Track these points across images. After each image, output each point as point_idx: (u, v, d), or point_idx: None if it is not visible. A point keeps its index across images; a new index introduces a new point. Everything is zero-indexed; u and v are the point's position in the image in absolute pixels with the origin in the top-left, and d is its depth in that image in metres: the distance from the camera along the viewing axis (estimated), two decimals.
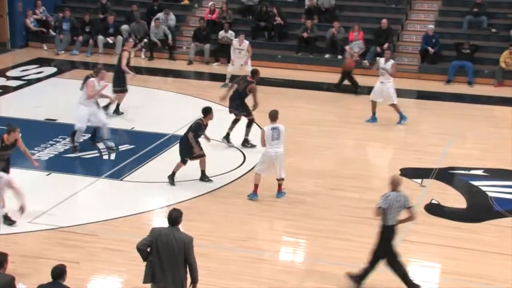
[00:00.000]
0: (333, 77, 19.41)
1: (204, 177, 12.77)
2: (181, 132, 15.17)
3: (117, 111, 16.11)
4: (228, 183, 12.78)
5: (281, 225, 11.36)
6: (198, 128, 12.46)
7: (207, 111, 12.59)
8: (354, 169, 13.69)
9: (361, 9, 22.80)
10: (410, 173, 13.42)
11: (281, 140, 11.90)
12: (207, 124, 12.64)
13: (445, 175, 13.45)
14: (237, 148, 14.45)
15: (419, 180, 13.14)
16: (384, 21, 20.84)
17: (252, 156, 13.95)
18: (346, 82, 18.70)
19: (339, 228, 11.21)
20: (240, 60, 18.32)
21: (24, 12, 22.28)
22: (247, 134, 14.69)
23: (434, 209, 12.00)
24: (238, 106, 14.56)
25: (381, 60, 16.24)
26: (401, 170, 13.55)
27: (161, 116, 16.47)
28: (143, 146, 14.36)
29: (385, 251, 9.32)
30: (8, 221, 10.78)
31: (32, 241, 10.48)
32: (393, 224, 9.27)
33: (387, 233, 9.26)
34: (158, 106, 17.17)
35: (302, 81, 19.82)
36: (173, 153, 14.20)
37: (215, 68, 20.70)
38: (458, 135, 15.75)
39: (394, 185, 9.30)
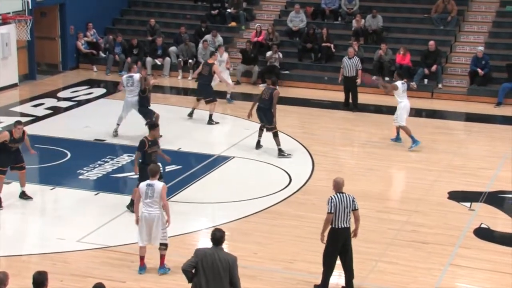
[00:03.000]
0: (379, 99, 19.32)
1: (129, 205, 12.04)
2: (228, 153, 15.32)
3: (210, 121, 17.31)
4: (274, 204, 12.77)
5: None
6: (141, 146, 11.86)
7: (151, 127, 12.14)
8: (400, 191, 13.56)
9: (409, 30, 22.69)
10: (458, 196, 13.23)
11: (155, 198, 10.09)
12: (154, 141, 11.96)
13: (495, 198, 13.22)
14: (282, 169, 14.46)
15: (468, 204, 12.94)
16: (431, 43, 20.69)
17: (298, 177, 13.94)
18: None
19: (386, 251, 11.10)
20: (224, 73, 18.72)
21: (76, 35, 22.75)
22: (278, 144, 15.10)
23: (484, 234, 11.79)
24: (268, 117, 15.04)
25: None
26: (449, 193, 13.37)
27: (207, 137, 16.59)
28: (189, 166, 14.48)
29: (333, 253, 9.51)
30: None
31: (80, 260, 10.62)
32: (343, 226, 9.42)
33: (335, 235, 9.43)
34: (205, 127, 17.30)
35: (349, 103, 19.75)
36: (219, 174, 14.30)
37: (261, 88, 20.76)
38: (508, 158, 15.47)
39: (337, 187, 9.52)
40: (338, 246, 9.54)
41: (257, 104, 15.18)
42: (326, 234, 9.56)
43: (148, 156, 11.92)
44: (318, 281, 9.88)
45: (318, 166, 14.73)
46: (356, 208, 9.58)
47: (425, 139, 16.36)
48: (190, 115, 17.71)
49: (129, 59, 22.18)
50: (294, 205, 12.75)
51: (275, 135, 15.14)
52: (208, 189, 13.44)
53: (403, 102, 15.80)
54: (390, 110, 18.65)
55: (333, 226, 9.46)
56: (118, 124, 16.28)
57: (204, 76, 17.57)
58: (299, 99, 19.88)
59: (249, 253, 10.90)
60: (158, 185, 10.06)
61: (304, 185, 13.70)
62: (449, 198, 13.24)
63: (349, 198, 9.54)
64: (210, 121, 17.41)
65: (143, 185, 10.12)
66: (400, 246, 11.26)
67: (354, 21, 22.30)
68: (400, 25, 22.90)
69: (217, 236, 7.95)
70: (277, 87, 15.35)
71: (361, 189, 13.44)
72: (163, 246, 10.14)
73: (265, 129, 15.29)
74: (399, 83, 15.77)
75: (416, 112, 18.91)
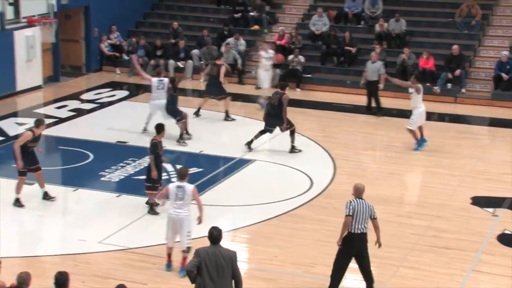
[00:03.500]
0: (402, 103, 19.21)
1: (151, 209, 12.30)
2: (249, 156, 15.33)
3: (227, 118, 17.61)
4: (295, 208, 12.75)
5: None
6: (155, 148, 12.08)
7: (158, 128, 12.32)
8: (422, 196, 13.48)
9: (433, 35, 22.55)
10: (481, 201, 13.12)
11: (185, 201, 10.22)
12: (161, 142, 12.23)
13: None
14: (304, 172, 14.44)
15: (491, 209, 12.82)
16: (455, 47, 20.55)
17: (319, 181, 13.91)
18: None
19: (407, 256, 11.03)
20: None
21: (99, 37, 22.90)
22: (293, 141, 15.35)
23: (507, 240, 11.67)
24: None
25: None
26: (472, 198, 13.27)
27: (229, 139, 16.61)
28: (211, 169, 14.51)
29: (345, 257, 9.45)
30: None
31: (102, 261, 10.68)
32: (359, 232, 9.34)
33: (350, 240, 9.35)
34: (227, 130, 17.33)
35: (372, 107, 19.64)
36: (240, 177, 14.31)
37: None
38: None
39: (358, 192, 9.51)
40: (352, 251, 9.48)
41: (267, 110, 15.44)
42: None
43: (159, 158, 12.05)
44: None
45: (339, 169, 14.69)
46: (375, 217, 9.52)
47: (448, 144, 16.24)
48: (197, 113, 17.83)
49: (152, 61, 22.29)
50: (315, 209, 12.72)
51: (292, 133, 15.36)
52: (229, 192, 13.45)
53: (422, 108, 15.63)
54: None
55: (350, 230, 9.41)
56: (146, 123, 16.43)
57: (213, 76, 17.71)
58: (321, 103, 19.84)
59: (270, 256, 10.89)
60: (189, 187, 10.18)
61: (325, 188, 13.66)
62: (472, 203, 13.13)
63: (368, 206, 9.49)
64: (227, 118, 17.55)
65: (173, 186, 10.23)
66: (422, 251, 11.18)
67: (377, 25, 22.22)
68: (424, 29, 22.78)
69: (215, 235, 8.12)
70: (286, 91, 15.33)
71: (383, 194, 13.39)
72: (186, 249, 10.19)
73: (279, 130, 15.43)
74: (421, 86, 15.64)
75: (439, 117, 18.81)
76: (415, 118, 15.64)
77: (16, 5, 19.47)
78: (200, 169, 14.32)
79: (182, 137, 15.93)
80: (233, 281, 8.07)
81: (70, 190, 13.42)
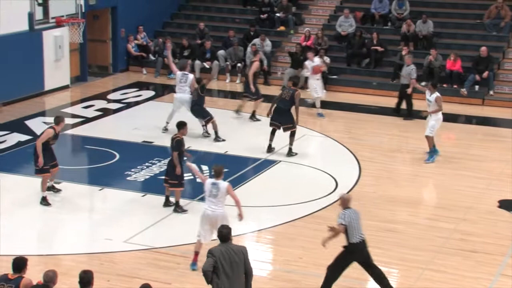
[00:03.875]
0: None
1: (177, 207, 12.36)
2: (274, 157, 15.31)
3: (253, 117, 17.58)
4: (319, 210, 12.71)
5: (373, 254, 11.13)
6: (180, 145, 12.22)
7: (180, 126, 12.45)
8: (449, 199, 13.35)
9: (460, 36, 22.36)
10: (509, 205, 12.96)
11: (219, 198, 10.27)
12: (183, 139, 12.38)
13: None
14: (329, 174, 14.38)
15: None
16: (483, 48, 20.34)
17: (344, 182, 13.85)
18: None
19: (434, 259, 10.93)
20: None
21: (126, 38, 23.04)
22: (291, 143, 15.28)
23: None
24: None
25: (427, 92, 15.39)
26: (500, 202, 13.11)
27: (254, 140, 16.61)
28: (236, 170, 14.51)
29: (344, 264, 9.42)
30: None
31: (127, 261, 10.72)
32: (358, 241, 9.29)
33: (353, 250, 9.30)
34: (252, 130, 17.33)
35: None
36: (265, 178, 14.30)
37: (309, 93, 20.69)
38: None
39: (345, 204, 9.45)
40: (352, 260, 9.45)
41: (275, 104, 15.34)
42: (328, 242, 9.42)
43: (182, 156, 12.18)
44: (360, 286, 9.78)
45: (364, 171, 14.61)
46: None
47: (475, 146, 16.08)
48: (252, 117, 17.85)
49: (175, 60, 22.36)
50: (339, 211, 12.65)
51: (292, 135, 15.24)
52: (254, 193, 13.44)
53: (441, 114, 15.08)
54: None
55: (351, 241, 9.32)
56: (167, 122, 16.54)
57: (246, 76, 17.88)
58: (347, 104, 19.77)
59: (294, 257, 10.86)
60: (223, 184, 10.23)
61: (350, 190, 13.59)
62: (499, 206, 12.99)
63: (358, 213, 9.48)
64: (252, 118, 17.65)
65: (208, 182, 10.27)
66: (448, 255, 11.07)
67: (404, 26, 22.07)
68: (451, 31, 22.59)
69: (224, 233, 8.24)
70: (298, 88, 15.69)
71: (409, 196, 13.30)
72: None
73: (281, 130, 15.28)
74: (438, 98, 14.96)
75: (466, 119, 18.65)
76: (436, 125, 15.12)
77: (45, 5, 19.67)
78: (225, 170, 14.27)
79: (218, 135, 16.15)
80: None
81: (96, 189, 13.50)
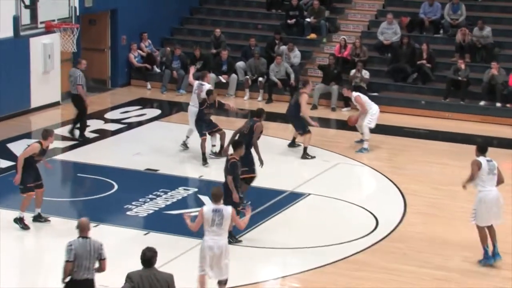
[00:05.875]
0: (490, 129, 19.05)
1: (231, 238, 12.47)
2: (302, 189, 15.35)
3: (306, 155, 17.23)
4: (356, 253, 12.70)
5: None
6: (235, 168, 12.53)
7: (236, 145, 12.84)
8: (510, 241, 13.28)
9: None
10: None
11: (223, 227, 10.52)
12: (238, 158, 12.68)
13: None
14: (367, 210, 14.38)
15: None
16: None
17: (386, 221, 13.85)
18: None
19: None
20: None
21: (128, 46, 23.21)
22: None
23: None
24: None
25: None
26: None
27: (279, 169, 16.66)
28: (257, 204, 14.54)
29: None
30: None
31: None
32: (82, 278, 9.21)
33: None
34: (276, 157, 17.38)
35: (450, 133, 19.55)
36: (292, 213, 14.32)
37: (345, 114, 20.77)
38: None
39: (82, 229, 9.39)
40: None
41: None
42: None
43: (237, 180, 12.55)
44: None
45: (410, 208, 14.60)
46: (103, 257, 9.41)
47: None
48: (292, 144, 17.86)
49: (190, 75, 22.51)
50: (380, 254, 12.65)
51: (247, 182, 14.52)
52: (279, 231, 13.47)
53: (484, 191, 12.31)
54: (503, 143, 18.39)
55: (72, 277, 9.26)
56: (187, 136, 16.97)
57: (290, 106, 17.72)
58: (390, 127, 19.78)
59: None
60: (227, 209, 10.43)
61: (393, 230, 13.59)
62: None
63: (95, 245, 9.39)
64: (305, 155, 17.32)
65: (208, 210, 10.44)
66: None
67: (458, 34, 22.10)
68: None
69: (148, 256, 8.52)
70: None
71: (464, 238, 13.24)
72: (223, 281, 10.41)
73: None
74: (483, 161, 12.36)
75: None
76: (480, 209, 12.52)
77: (33, 8, 19.69)
78: (248, 203, 14.37)
79: (205, 156, 16.59)
80: None
81: (90, 225, 13.55)
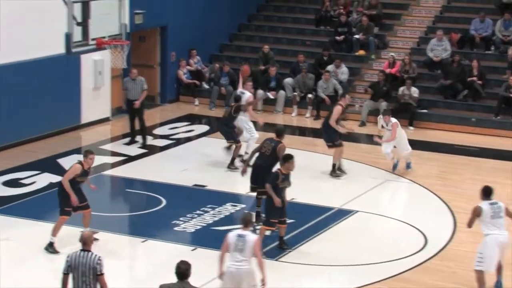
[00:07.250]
0: None
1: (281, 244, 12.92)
2: (350, 206, 15.26)
3: (334, 172, 17.06)
4: (405, 271, 12.58)
5: None
6: (274, 179, 12.68)
7: (285, 159, 12.85)
8: None
9: None
10: None
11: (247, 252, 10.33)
12: (287, 175, 12.78)
13: None
14: (416, 228, 14.25)
15: None
16: None
17: (436, 239, 13.71)
18: None
19: None
20: None
21: (177, 63, 23.42)
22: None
23: None
24: None
25: None
26: None
27: (326, 186, 16.60)
28: (304, 221, 14.51)
29: None
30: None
31: None
32: None
33: None
34: (324, 174, 17.32)
35: (503, 150, 19.31)
36: (339, 231, 14.25)
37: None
38: None
39: (84, 242, 9.26)
40: None
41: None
42: None
43: (278, 191, 12.49)
44: None
45: (461, 226, 14.42)
46: (99, 272, 9.15)
47: None
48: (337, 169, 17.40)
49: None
50: (430, 273, 12.52)
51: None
52: (326, 249, 13.41)
53: (491, 234, 11.67)
54: None
55: None
56: (246, 153, 17.13)
57: (325, 118, 17.56)
58: (440, 144, 19.63)
59: None
60: (251, 237, 10.34)
61: (443, 249, 13.44)
62: None
63: (92, 259, 9.15)
64: (333, 172, 17.14)
65: (232, 235, 10.39)
66: None
67: (510, 50, 21.87)
68: None
69: (182, 269, 8.67)
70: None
71: None
72: None
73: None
74: (485, 205, 11.80)
75: None
76: (486, 251, 11.83)
77: (84, 25, 19.87)
78: (291, 220, 14.33)
79: (233, 162, 17.09)
80: None
81: (138, 240, 13.67)
